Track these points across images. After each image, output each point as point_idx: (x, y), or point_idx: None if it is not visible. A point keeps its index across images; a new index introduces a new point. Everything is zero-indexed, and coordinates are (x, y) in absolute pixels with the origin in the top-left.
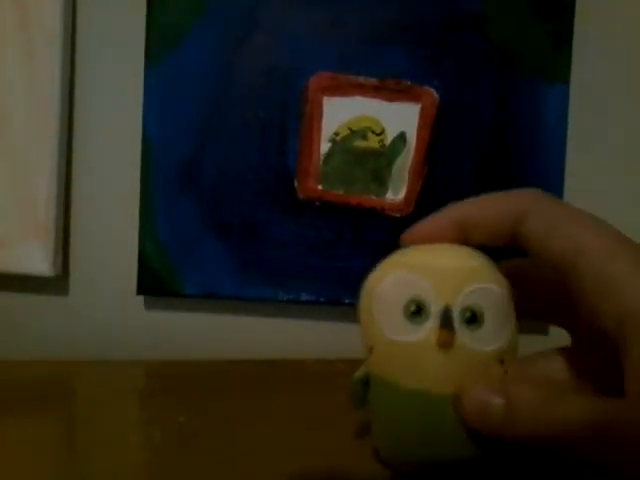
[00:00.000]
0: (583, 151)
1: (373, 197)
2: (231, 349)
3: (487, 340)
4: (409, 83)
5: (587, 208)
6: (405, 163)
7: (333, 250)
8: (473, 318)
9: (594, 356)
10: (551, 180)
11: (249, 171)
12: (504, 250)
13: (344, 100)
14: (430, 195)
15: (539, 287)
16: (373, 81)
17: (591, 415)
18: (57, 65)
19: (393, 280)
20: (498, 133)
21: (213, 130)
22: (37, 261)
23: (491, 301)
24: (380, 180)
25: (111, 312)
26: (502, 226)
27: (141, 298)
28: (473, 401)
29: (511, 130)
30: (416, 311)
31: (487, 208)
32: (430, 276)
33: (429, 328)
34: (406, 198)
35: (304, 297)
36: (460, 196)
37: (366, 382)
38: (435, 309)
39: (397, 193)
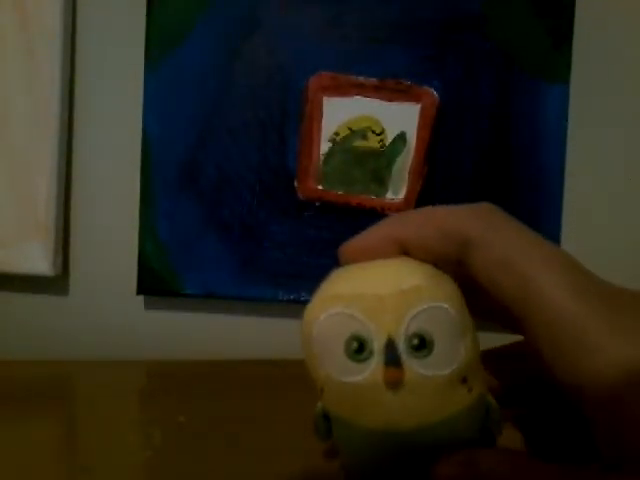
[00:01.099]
0: (583, 151)
1: (373, 197)
2: (231, 349)
3: (442, 363)
4: (409, 83)
5: (587, 208)
6: (405, 163)
7: (333, 250)
8: (422, 344)
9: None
10: (551, 180)
11: (249, 171)
12: None
13: (344, 100)
14: (430, 195)
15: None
16: (373, 81)
17: None
18: (57, 65)
19: (329, 317)
20: (498, 133)
21: (213, 130)
22: (37, 261)
23: (440, 320)
24: (380, 180)
25: (111, 312)
26: (447, 253)
27: (141, 298)
28: (442, 477)
29: (511, 130)
30: (358, 349)
31: (427, 231)
32: (367, 307)
33: (374, 366)
34: (406, 198)
35: (304, 297)
36: (460, 196)
37: (327, 417)
38: (378, 344)
39: (397, 193)
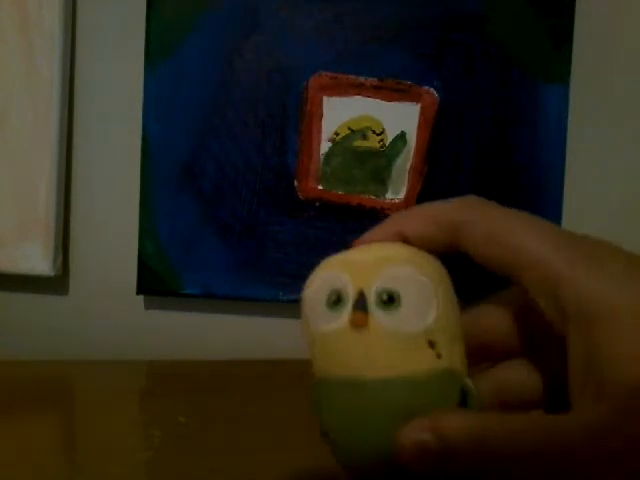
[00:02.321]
0: (583, 151)
1: (373, 197)
2: (231, 349)
3: (408, 320)
4: (409, 83)
5: (587, 208)
6: (405, 163)
7: (333, 250)
8: (390, 300)
9: (553, 364)
10: (551, 180)
11: (249, 171)
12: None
13: (344, 100)
14: (430, 195)
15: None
16: (373, 81)
17: (531, 436)
18: (57, 65)
19: (317, 281)
20: (498, 133)
21: (213, 130)
22: (37, 261)
23: (408, 283)
24: (380, 180)
25: (111, 312)
26: (442, 239)
27: (141, 298)
28: (406, 444)
29: (511, 130)
30: (336, 300)
31: (425, 219)
32: (347, 268)
33: (346, 313)
34: (406, 198)
35: None
36: (460, 196)
37: (317, 388)
38: (351, 295)
39: (397, 193)
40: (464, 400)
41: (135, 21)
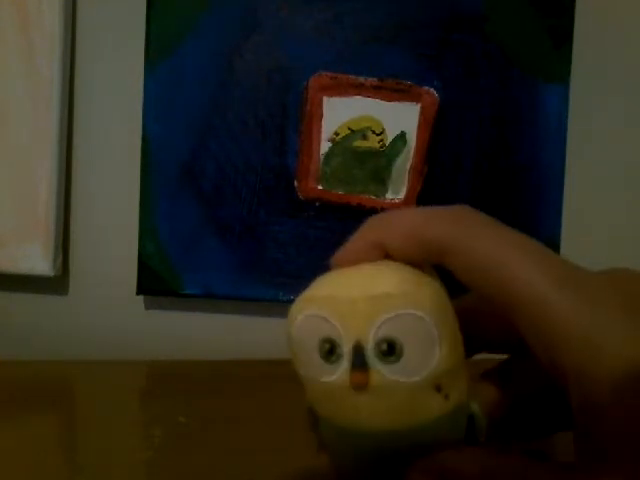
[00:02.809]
0: (583, 151)
1: (373, 197)
2: (231, 349)
3: (412, 370)
4: (409, 83)
5: (587, 208)
6: (405, 163)
7: (333, 250)
8: (390, 350)
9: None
10: (551, 180)
11: (249, 171)
12: None
13: (344, 100)
14: (430, 195)
15: (489, 320)
16: (373, 81)
17: None
18: (57, 65)
19: (303, 320)
20: (498, 133)
21: (213, 130)
22: (37, 261)
23: (410, 327)
24: (380, 180)
25: (111, 312)
26: (424, 256)
27: (141, 298)
28: None
29: (511, 130)
30: (329, 351)
31: (405, 235)
32: (339, 311)
33: (343, 369)
34: (406, 198)
35: None
36: (460, 196)
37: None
38: (347, 348)
39: (397, 193)
40: (471, 423)
41: (135, 21)
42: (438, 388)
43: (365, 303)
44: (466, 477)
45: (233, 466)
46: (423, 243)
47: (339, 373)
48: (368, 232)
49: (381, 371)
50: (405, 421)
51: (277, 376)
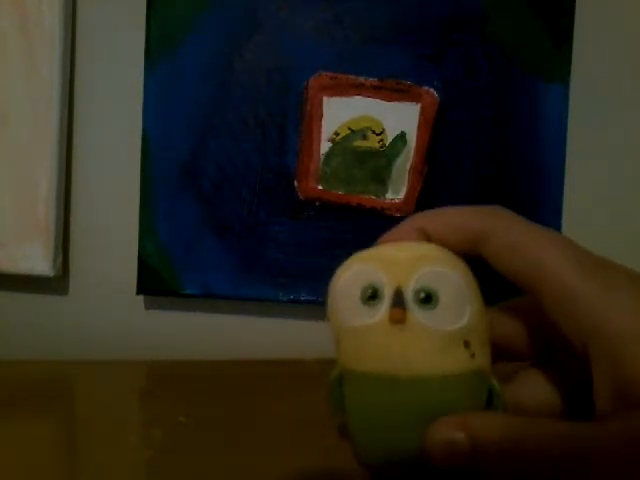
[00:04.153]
0: (583, 151)
1: (373, 197)
2: (231, 349)
3: (445, 319)
4: (409, 83)
5: (587, 208)
6: (405, 163)
7: (333, 250)
8: (427, 298)
9: (570, 375)
10: (551, 180)
11: (249, 171)
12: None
13: (344, 100)
14: (430, 195)
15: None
16: (373, 81)
17: (564, 442)
18: (57, 65)
19: (350, 274)
20: (498, 133)
21: (213, 130)
22: (37, 261)
23: (445, 282)
24: (380, 180)
25: (111, 312)
26: (463, 246)
27: (141, 298)
28: (437, 442)
29: (511, 130)
30: (372, 296)
31: (450, 223)
32: (384, 264)
33: (384, 309)
34: (406, 198)
35: (304, 297)
36: (460, 196)
37: (341, 382)
38: (388, 292)
39: (397, 193)
40: (490, 400)
41: (135, 21)
42: (467, 344)
43: (409, 259)
44: (489, 438)
45: (233, 466)
46: (464, 230)
47: (379, 314)
48: (413, 220)
49: (417, 315)
50: (432, 368)
51: (277, 376)
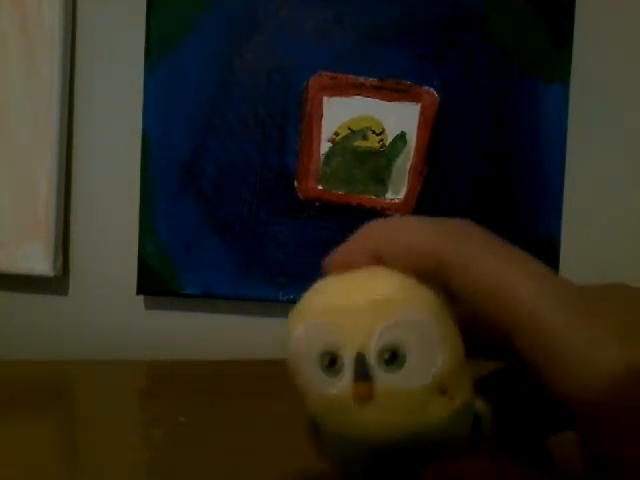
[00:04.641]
0: (583, 151)
1: (373, 197)
2: (231, 349)
3: (416, 376)
4: (409, 83)
5: (587, 208)
6: (405, 163)
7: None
8: (393, 358)
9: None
10: (551, 180)
11: (249, 171)
12: None
13: (344, 100)
14: (430, 195)
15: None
16: (373, 81)
17: None
18: (57, 65)
19: (303, 332)
20: (498, 133)
21: (213, 130)
22: (37, 261)
23: (412, 332)
24: (380, 180)
25: (111, 312)
26: (421, 271)
27: (141, 298)
28: None
29: (511, 130)
30: (330, 363)
31: (407, 247)
32: (339, 321)
33: (346, 381)
34: (406, 198)
35: None
36: (460, 196)
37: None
38: (348, 359)
39: (397, 193)
40: (477, 422)
41: (135, 21)
42: (443, 391)
43: (364, 311)
44: None
45: (233, 466)
46: (421, 258)
47: (342, 385)
48: (365, 239)
49: (385, 380)
50: (412, 427)
51: (277, 376)
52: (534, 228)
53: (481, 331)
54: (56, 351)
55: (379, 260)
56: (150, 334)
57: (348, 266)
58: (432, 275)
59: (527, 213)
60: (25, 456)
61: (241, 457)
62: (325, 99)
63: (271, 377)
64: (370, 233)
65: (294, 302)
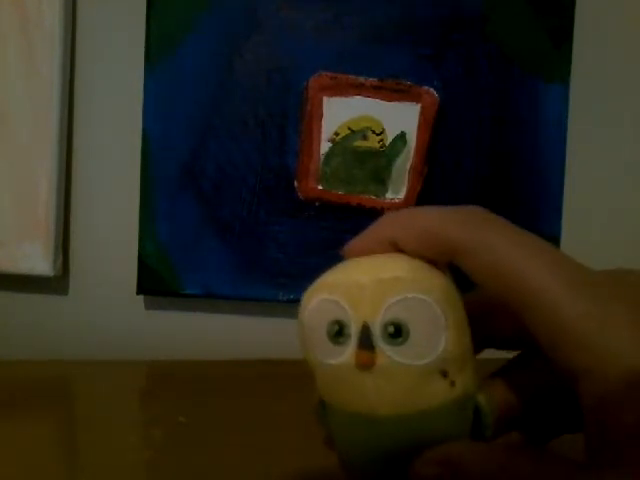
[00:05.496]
0: (583, 151)
1: (373, 197)
2: (231, 349)
3: (418, 353)
4: (409, 83)
5: (587, 208)
6: (405, 163)
7: (333, 250)
8: (397, 332)
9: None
10: (551, 180)
11: (249, 171)
12: None
13: (344, 100)
14: (430, 195)
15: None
16: (373, 81)
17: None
18: (57, 65)
19: (315, 305)
20: (498, 133)
21: (213, 130)
22: (37, 261)
23: (416, 312)
24: (380, 180)
25: (111, 312)
26: (437, 256)
27: (141, 298)
28: (420, 476)
29: (511, 130)
30: (338, 332)
31: (422, 234)
32: (349, 295)
33: (350, 349)
34: (406, 198)
35: None
36: (460, 196)
37: (324, 404)
38: (354, 329)
39: (397, 193)
40: (478, 417)
41: (135, 21)
42: (444, 374)
43: (374, 286)
44: (472, 471)
45: (233, 466)
46: (436, 243)
47: (347, 354)
48: (382, 228)
49: (387, 352)
50: (410, 405)
51: (277, 376)
52: (534, 228)
53: (495, 320)
54: (56, 351)
55: (395, 247)
56: (150, 334)
57: (365, 252)
58: (445, 260)
59: (527, 213)
60: (25, 456)
61: (241, 457)
62: (325, 99)
63: (271, 377)
64: (387, 221)
65: (294, 302)
